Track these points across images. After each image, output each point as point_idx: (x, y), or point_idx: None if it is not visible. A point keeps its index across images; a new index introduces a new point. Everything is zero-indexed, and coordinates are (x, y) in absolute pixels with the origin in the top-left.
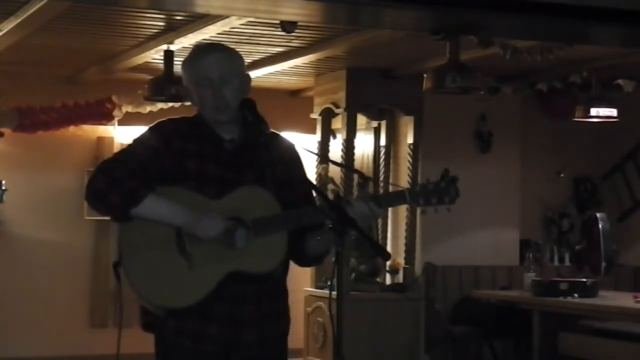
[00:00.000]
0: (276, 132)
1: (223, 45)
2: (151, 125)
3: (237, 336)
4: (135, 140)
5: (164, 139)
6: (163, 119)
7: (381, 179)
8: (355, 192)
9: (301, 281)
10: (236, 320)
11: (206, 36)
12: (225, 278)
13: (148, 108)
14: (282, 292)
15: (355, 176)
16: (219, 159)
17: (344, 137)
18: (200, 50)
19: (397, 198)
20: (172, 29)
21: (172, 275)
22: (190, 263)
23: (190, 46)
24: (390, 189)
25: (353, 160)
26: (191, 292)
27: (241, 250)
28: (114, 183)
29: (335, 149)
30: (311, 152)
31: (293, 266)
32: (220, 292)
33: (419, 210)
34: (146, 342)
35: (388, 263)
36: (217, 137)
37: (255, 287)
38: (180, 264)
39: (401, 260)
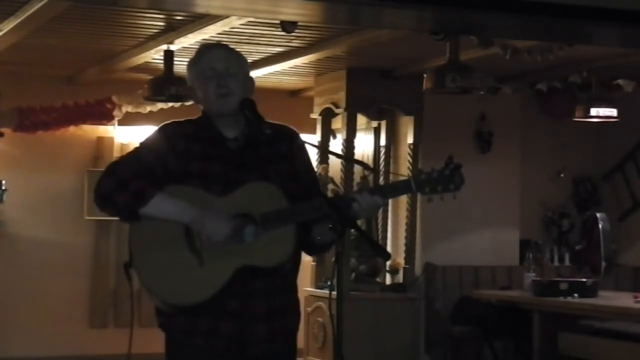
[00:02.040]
0: (281, 123)
1: (227, 45)
2: (156, 128)
3: (248, 332)
4: (140, 144)
5: (169, 142)
6: (167, 122)
7: (381, 179)
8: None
9: (301, 281)
10: (247, 316)
11: (206, 36)
12: (236, 273)
13: (148, 108)
14: (291, 288)
15: (356, 174)
16: (224, 158)
17: (344, 137)
18: (206, 47)
19: (402, 187)
20: (172, 29)
21: (183, 272)
22: (200, 260)
23: (190, 46)
24: (392, 178)
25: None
26: (203, 288)
27: (250, 245)
28: (121, 184)
29: (336, 149)
30: (312, 145)
31: None
32: (230, 289)
33: (419, 210)
34: (146, 342)
35: (388, 263)
36: (221, 137)
37: (264, 282)
38: (190, 261)
39: (401, 260)
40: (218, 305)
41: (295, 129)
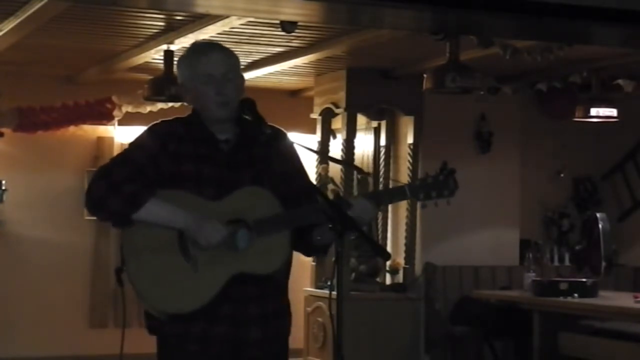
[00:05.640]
0: (276, 126)
1: (221, 44)
2: (146, 128)
3: (242, 336)
4: (131, 144)
5: (160, 142)
6: (157, 122)
7: (381, 179)
8: (355, 191)
9: (301, 281)
10: (241, 320)
11: (206, 36)
12: (230, 280)
13: (148, 108)
14: (283, 292)
15: (356, 174)
16: (215, 160)
17: (344, 137)
18: (201, 48)
19: (397, 193)
20: (172, 29)
21: (177, 279)
22: (194, 266)
23: None
24: (391, 184)
25: (353, 160)
26: (196, 295)
27: (244, 252)
28: (113, 189)
29: (335, 149)
30: (310, 149)
31: (293, 266)
32: (224, 294)
33: (418, 210)
34: (146, 342)
35: (388, 263)
36: (213, 138)
37: (258, 287)
38: (184, 267)
39: (401, 260)
40: (211, 310)
41: (293, 128)
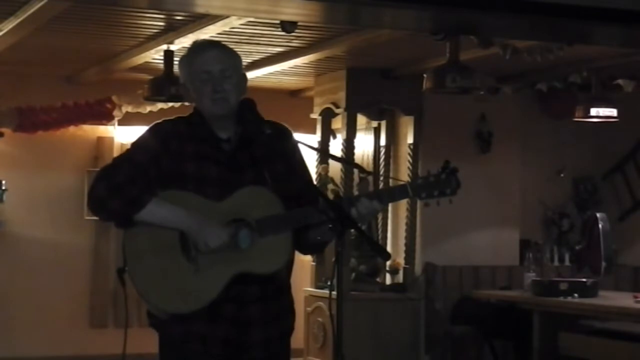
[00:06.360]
0: (281, 123)
1: (221, 42)
2: (148, 127)
3: (244, 337)
4: (133, 145)
5: (162, 142)
6: (159, 121)
7: (381, 179)
8: (355, 191)
9: (301, 281)
10: (243, 320)
11: (206, 36)
12: (232, 280)
13: (148, 108)
14: (286, 291)
15: (356, 174)
16: (217, 160)
17: (344, 137)
18: (200, 46)
19: (399, 192)
20: (172, 29)
21: (179, 279)
22: (196, 267)
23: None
24: (391, 184)
25: (353, 160)
26: (199, 296)
27: (246, 251)
28: (115, 189)
29: (336, 149)
30: (311, 147)
31: (293, 266)
32: (226, 294)
33: (419, 210)
34: (147, 342)
35: (388, 263)
36: (215, 137)
37: (260, 287)
38: (186, 268)
39: (401, 260)
40: (213, 310)
41: (293, 128)
